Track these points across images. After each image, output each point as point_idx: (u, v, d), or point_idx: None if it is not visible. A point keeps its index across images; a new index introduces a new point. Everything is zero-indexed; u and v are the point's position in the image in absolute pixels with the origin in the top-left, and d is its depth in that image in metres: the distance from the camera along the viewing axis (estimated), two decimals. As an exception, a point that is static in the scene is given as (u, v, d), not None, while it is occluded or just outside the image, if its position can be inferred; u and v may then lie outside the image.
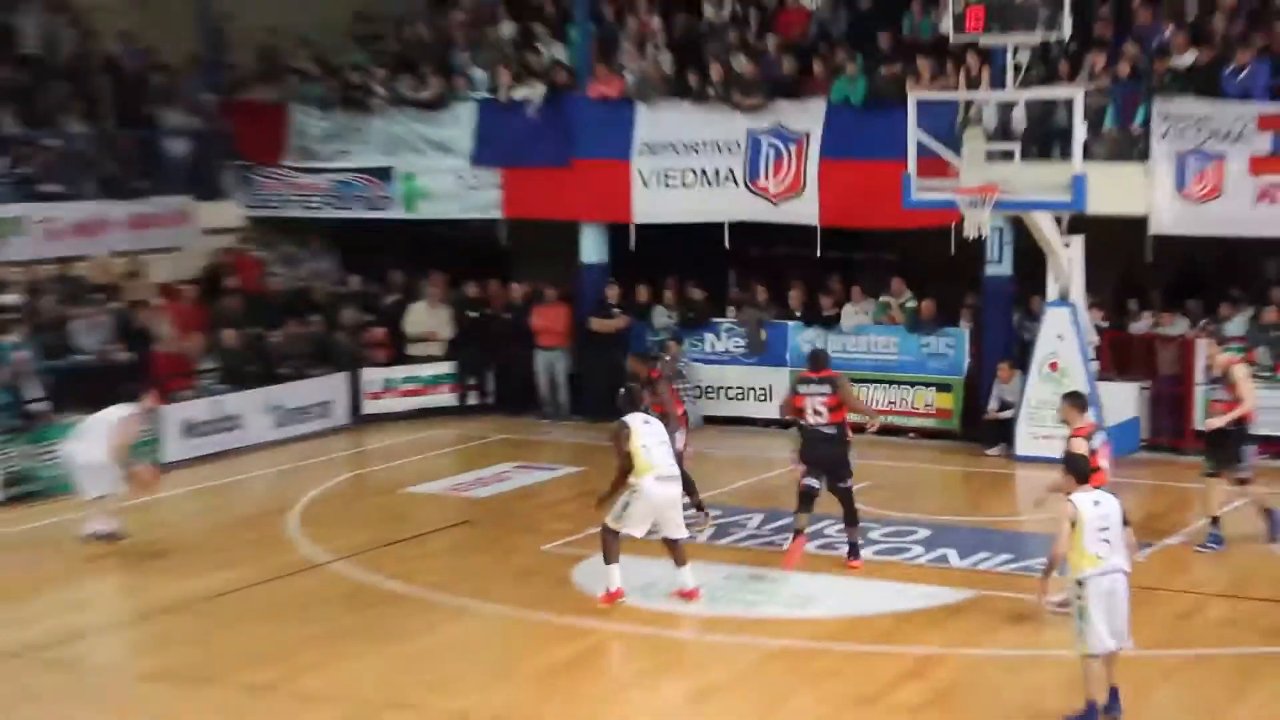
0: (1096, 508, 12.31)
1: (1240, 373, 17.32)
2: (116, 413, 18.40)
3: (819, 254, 24.25)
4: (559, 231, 25.61)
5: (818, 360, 17.28)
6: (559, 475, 21.32)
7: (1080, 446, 14.65)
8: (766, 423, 24.23)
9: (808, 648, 14.58)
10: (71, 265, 24.34)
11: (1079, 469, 12.80)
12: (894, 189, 21.09)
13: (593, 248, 25.81)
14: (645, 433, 15.60)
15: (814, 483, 16.71)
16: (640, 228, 25.02)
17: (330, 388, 24.91)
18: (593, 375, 25.18)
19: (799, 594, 16.11)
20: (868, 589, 16.16)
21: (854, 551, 17.06)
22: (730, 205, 24.41)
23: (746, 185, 24.32)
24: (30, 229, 24.44)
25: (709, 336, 24.94)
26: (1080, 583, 12.24)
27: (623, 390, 16.52)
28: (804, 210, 24.01)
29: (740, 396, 24.60)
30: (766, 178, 24.17)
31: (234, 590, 16.67)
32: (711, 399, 24.79)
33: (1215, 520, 17.39)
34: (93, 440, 18.32)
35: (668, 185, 24.80)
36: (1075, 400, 15.55)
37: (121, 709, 13.48)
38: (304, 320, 25.41)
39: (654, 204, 24.86)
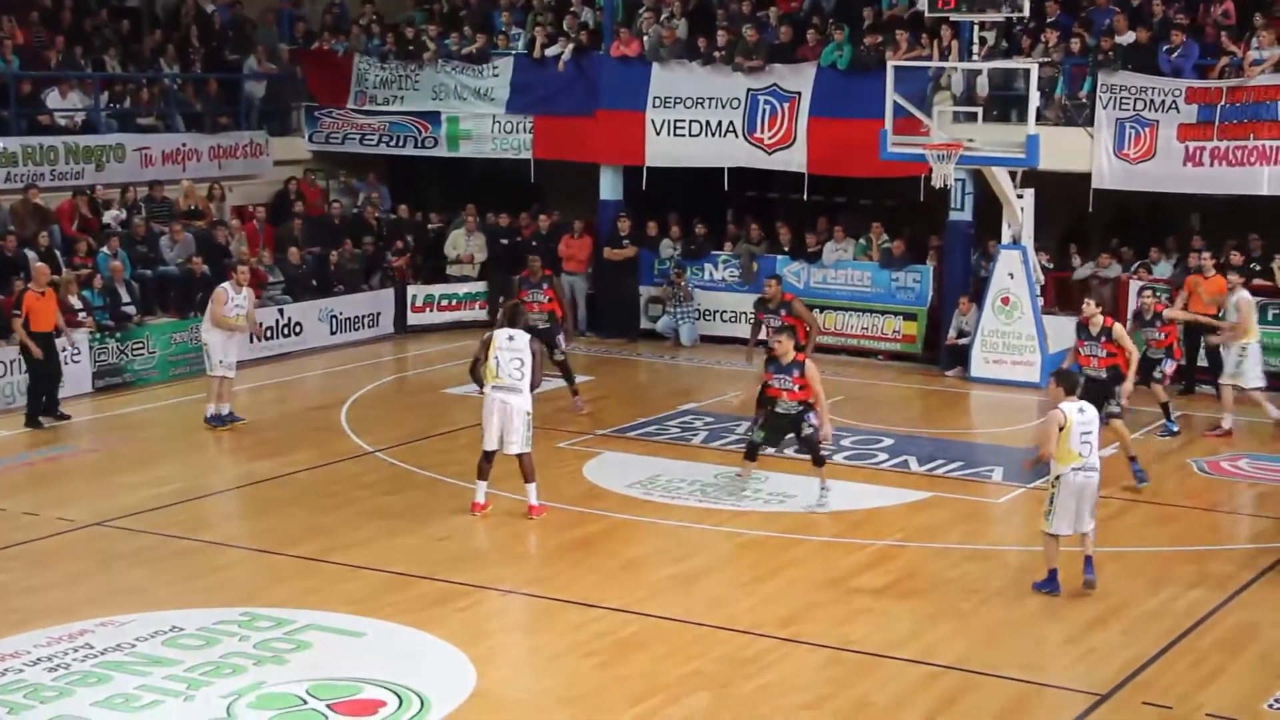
0: (1081, 415, 12.59)
1: (1121, 330, 16.51)
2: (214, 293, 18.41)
3: (806, 197, 24.06)
4: (581, 171, 25.34)
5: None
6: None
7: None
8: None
9: (783, 538, 14.44)
10: (161, 188, 24.10)
11: (1068, 382, 12.88)
12: (873, 143, 20.99)
13: (610, 186, 25.51)
14: (503, 346, 14.55)
15: None
16: (651, 170, 24.74)
17: (379, 301, 24.69)
18: (607, 297, 25.04)
19: (777, 491, 15.94)
20: (838, 489, 15.96)
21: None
22: (730, 153, 24.12)
23: (745, 136, 24.01)
24: (127, 156, 24.22)
25: (708, 266, 24.68)
26: (1058, 476, 12.57)
27: (511, 305, 15.61)
28: (794, 159, 23.73)
29: (734, 319, 24.31)
30: (762, 130, 23.88)
31: (291, 472, 16.57)
32: (709, 321, 24.56)
33: (1133, 457, 16.33)
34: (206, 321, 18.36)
35: (677, 134, 24.51)
36: None
37: (188, 573, 13.35)
38: (358, 242, 25.15)
39: (664, 150, 24.56)
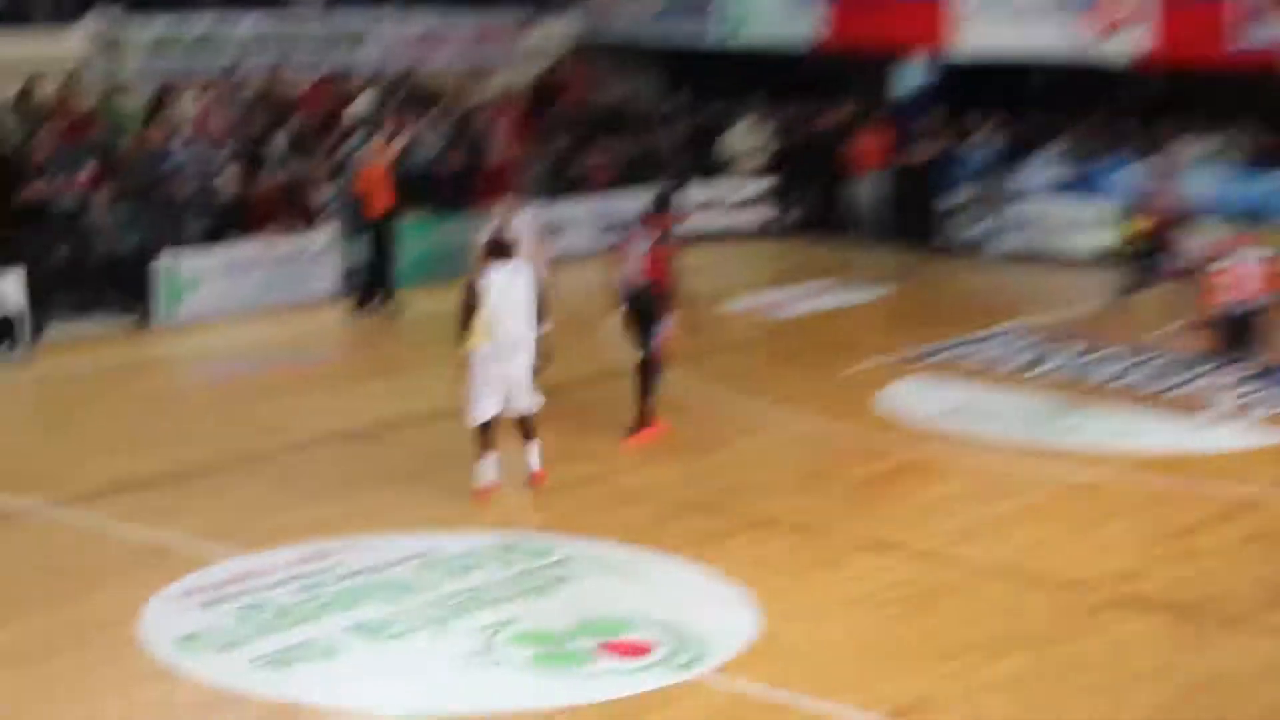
0: None
1: None
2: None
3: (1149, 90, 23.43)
4: (879, 61, 24.88)
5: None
6: (870, 297, 20.74)
7: None
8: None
9: (1119, 480, 13.99)
10: (416, 75, 24.42)
11: None
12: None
13: (911, 78, 25.05)
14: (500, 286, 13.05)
15: None
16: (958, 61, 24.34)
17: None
18: (907, 200, 24.56)
19: (1115, 427, 15.46)
20: (1190, 428, 15.37)
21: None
22: (1053, 42, 23.48)
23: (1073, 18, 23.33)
24: (378, 38, 24.59)
25: (1028, 170, 23.90)
26: None
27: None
28: (1132, 46, 22.95)
29: (1058, 231, 23.50)
30: (1097, 9, 23.11)
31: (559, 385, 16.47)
32: (1024, 232, 23.82)
33: None
34: None
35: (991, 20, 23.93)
36: None
37: (445, 493, 13.44)
38: (625, 135, 25.14)
39: (976, 37, 24.03)
